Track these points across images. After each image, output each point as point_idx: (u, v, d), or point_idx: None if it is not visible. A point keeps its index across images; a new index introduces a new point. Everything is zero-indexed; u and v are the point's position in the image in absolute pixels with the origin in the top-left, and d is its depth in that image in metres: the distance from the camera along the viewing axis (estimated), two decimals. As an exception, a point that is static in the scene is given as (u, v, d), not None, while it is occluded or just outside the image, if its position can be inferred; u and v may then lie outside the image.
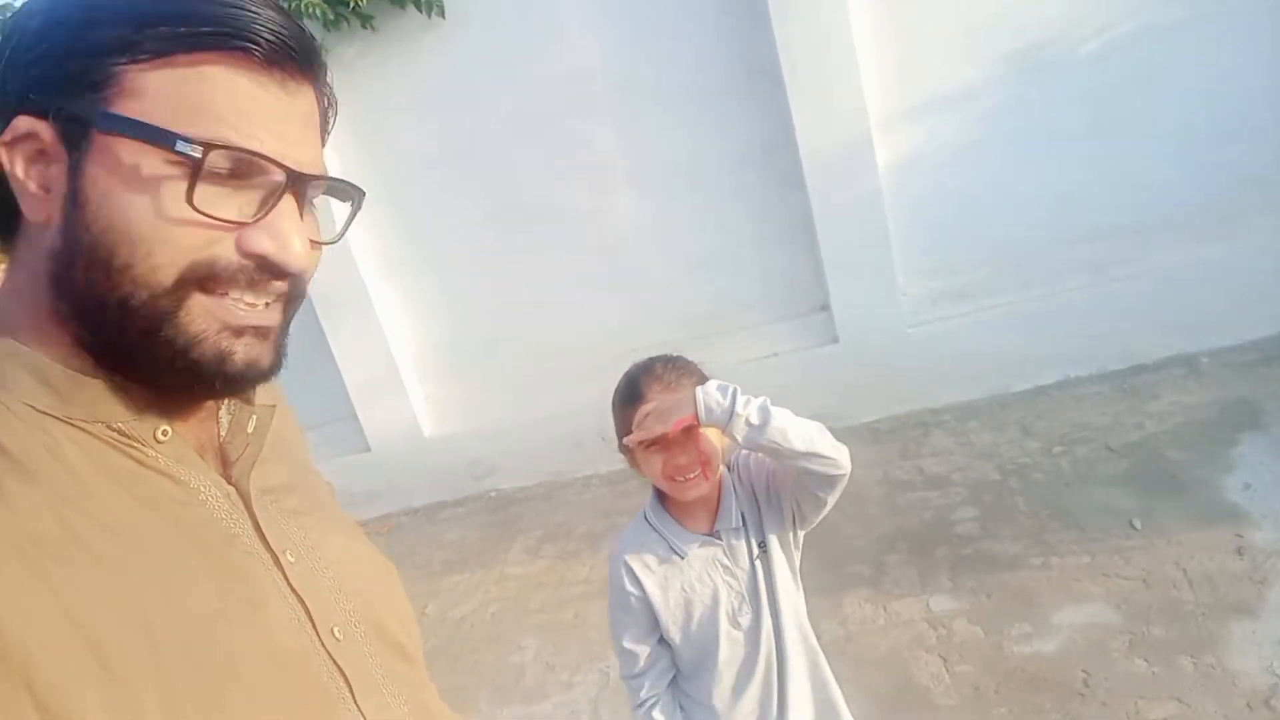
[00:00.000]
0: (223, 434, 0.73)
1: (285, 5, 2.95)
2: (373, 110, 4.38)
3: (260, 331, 0.66)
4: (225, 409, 0.74)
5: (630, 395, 1.54)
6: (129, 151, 0.59)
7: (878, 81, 4.03)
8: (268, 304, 0.66)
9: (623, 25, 4.18)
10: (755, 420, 1.38)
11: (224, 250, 0.61)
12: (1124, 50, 3.89)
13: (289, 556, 0.70)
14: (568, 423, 4.44)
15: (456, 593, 3.87)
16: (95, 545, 0.58)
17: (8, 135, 0.60)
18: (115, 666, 0.55)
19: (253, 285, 0.63)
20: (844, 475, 1.49)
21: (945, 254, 4.24)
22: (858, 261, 4.22)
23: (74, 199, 0.59)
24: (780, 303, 4.50)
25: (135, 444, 0.64)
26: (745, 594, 1.56)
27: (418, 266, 4.63)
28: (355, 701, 0.70)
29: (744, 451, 1.61)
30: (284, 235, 0.63)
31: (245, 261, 0.62)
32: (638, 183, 4.41)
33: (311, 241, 0.67)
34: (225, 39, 0.60)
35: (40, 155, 0.60)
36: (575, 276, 4.54)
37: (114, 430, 0.63)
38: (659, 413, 1.45)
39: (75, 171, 0.59)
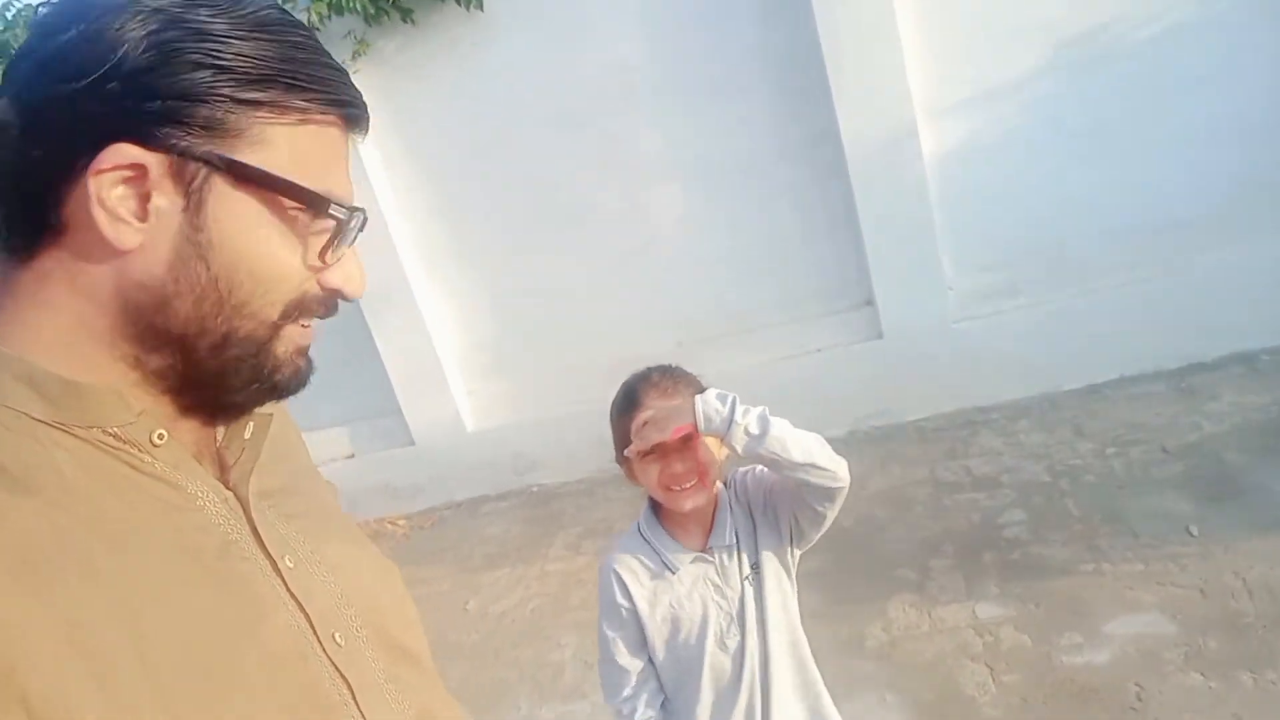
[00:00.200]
0: (219, 440, 0.72)
1: (325, 0, 2.96)
2: (413, 105, 4.39)
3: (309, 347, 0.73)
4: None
5: (627, 404, 1.53)
6: (259, 199, 0.63)
7: (923, 71, 3.94)
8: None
9: (664, 18, 4.13)
10: (754, 430, 1.36)
11: (312, 286, 0.68)
12: (1179, 40, 3.76)
13: (288, 562, 0.69)
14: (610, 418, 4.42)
15: (497, 588, 3.88)
16: (89, 555, 0.57)
17: (108, 163, 0.58)
18: (111, 678, 0.55)
19: (327, 314, 0.71)
20: (843, 488, 1.46)
21: (994, 248, 4.14)
22: (903, 256, 4.14)
23: (192, 237, 0.61)
24: (823, 298, 4.43)
25: (131, 449, 0.63)
26: (734, 615, 1.54)
27: (460, 262, 4.65)
28: (358, 707, 0.69)
29: (742, 469, 1.59)
30: (357, 273, 0.71)
31: (326, 295, 0.70)
32: (679, 177, 4.37)
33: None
34: (340, 104, 0.67)
35: (139, 184, 0.60)
36: (617, 272, 4.52)
37: (110, 435, 0.62)
38: (657, 421, 1.44)
39: (197, 210, 0.61)
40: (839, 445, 4.20)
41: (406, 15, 4.09)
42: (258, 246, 0.63)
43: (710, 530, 1.56)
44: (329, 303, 0.70)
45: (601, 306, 4.56)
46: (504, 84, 4.30)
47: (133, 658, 0.56)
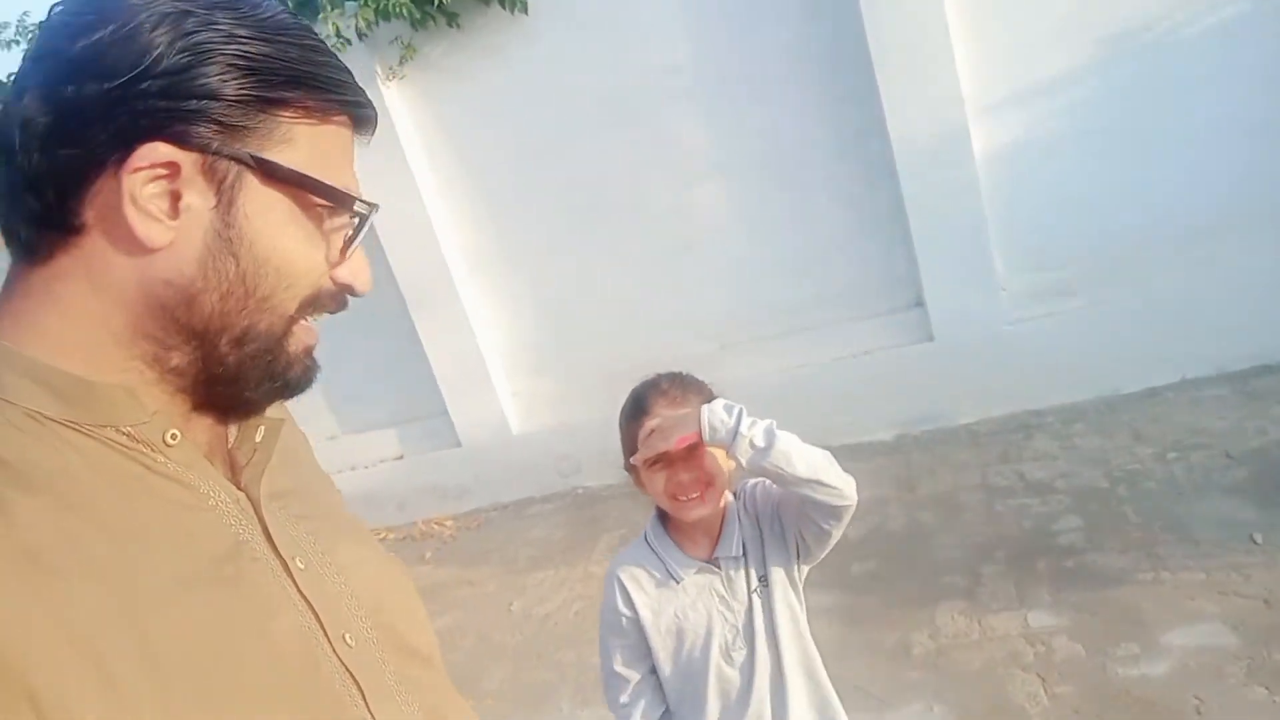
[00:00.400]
0: (231, 442, 0.73)
1: (371, 6, 2.98)
2: (459, 108, 4.43)
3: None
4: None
5: (635, 412, 1.52)
6: (290, 196, 0.65)
7: (973, 66, 3.85)
8: None
9: (708, 15, 4.10)
10: (760, 442, 1.35)
11: (326, 281, 0.70)
12: (1235, 34, 3.63)
13: (298, 563, 0.69)
14: (654, 420, 4.40)
15: (541, 589, 3.89)
16: (98, 555, 0.57)
17: (143, 162, 0.59)
18: (117, 678, 0.54)
19: (336, 309, 0.72)
20: (849, 506, 1.44)
21: (1048, 246, 4.03)
22: (954, 255, 4.05)
23: (223, 233, 0.63)
24: (872, 298, 4.36)
25: (144, 448, 0.63)
26: (740, 628, 1.52)
27: (505, 263, 4.67)
28: (368, 708, 0.69)
29: (751, 481, 1.57)
30: (364, 269, 0.73)
31: (337, 290, 0.71)
32: (725, 175, 4.34)
33: None
34: (357, 106, 0.69)
35: (171, 182, 0.61)
36: (662, 271, 4.50)
37: (123, 434, 0.62)
38: (662, 430, 1.42)
39: (228, 207, 0.63)
40: (887, 449, 4.13)
41: (452, 20, 4.12)
42: (286, 242, 0.66)
43: (717, 541, 1.55)
44: (340, 298, 0.72)
45: (645, 307, 4.54)
46: (548, 85, 4.31)
47: (139, 658, 0.56)
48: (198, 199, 0.62)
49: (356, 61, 4.20)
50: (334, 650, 0.68)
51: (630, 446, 1.51)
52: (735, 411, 1.37)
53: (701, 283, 4.48)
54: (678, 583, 1.53)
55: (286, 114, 0.64)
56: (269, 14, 0.65)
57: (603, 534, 4.21)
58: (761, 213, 4.35)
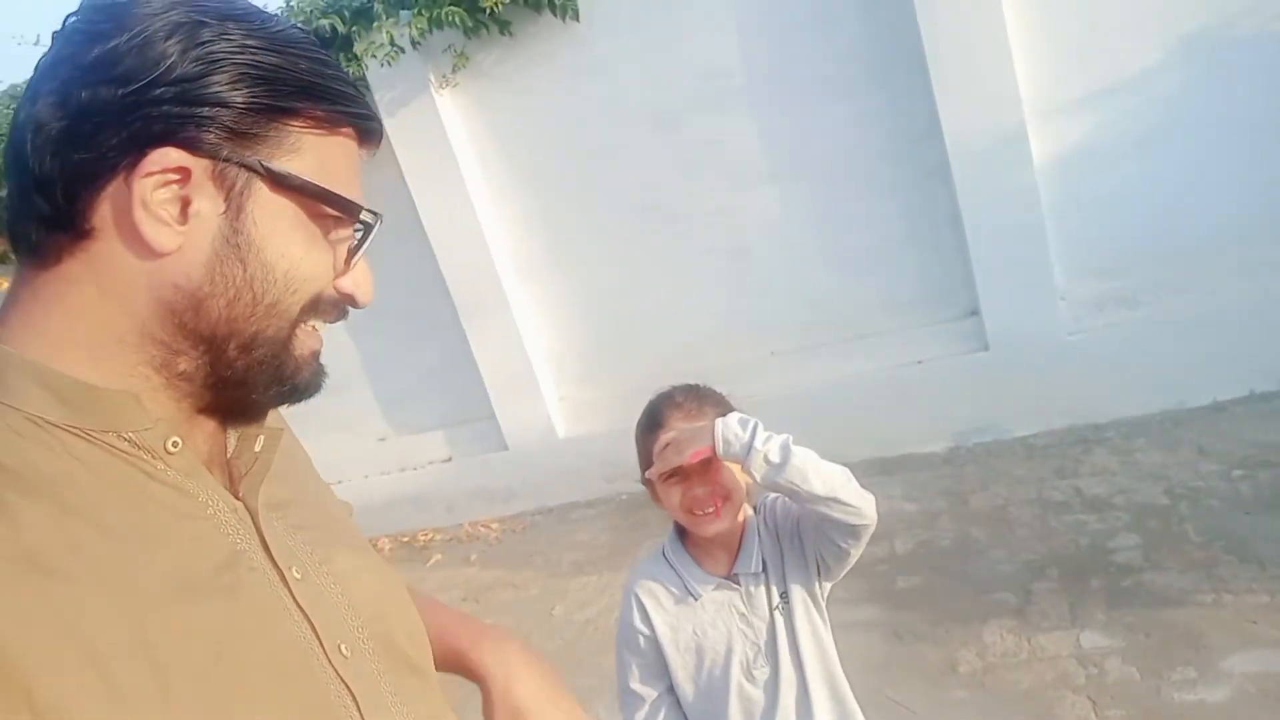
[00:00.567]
0: (230, 451, 0.74)
1: (424, 15, 3.02)
2: (510, 115, 4.46)
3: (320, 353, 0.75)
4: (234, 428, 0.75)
5: (650, 424, 1.50)
6: (294, 203, 0.67)
7: (1032, 66, 3.74)
8: None
9: (760, 18, 4.06)
10: (774, 458, 1.32)
11: (328, 289, 0.71)
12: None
13: (295, 573, 0.70)
14: (700, 428, 4.37)
15: (584, 594, 3.88)
16: (98, 559, 0.58)
17: (155, 166, 0.60)
18: (117, 684, 0.55)
19: (336, 319, 0.74)
20: (868, 526, 1.40)
21: (1110, 254, 3.90)
22: (1011, 262, 3.94)
23: (231, 239, 0.64)
24: (926, 306, 4.26)
25: (145, 455, 0.64)
26: (763, 646, 1.48)
27: (555, 269, 4.69)
28: (363, 719, 0.69)
29: (772, 495, 1.54)
30: (366, 280, 0.75)
31: (339, 299, 0.73)
32: (776, 180, 4.28)
33: None
34: (364, 119, 0.71)
35: (181, 188, 0.62)
36: (711, 277, 4.46)
37: (124, 440, 0.63)
38: (677, 443, 1.40)
39: (237, 213, 0.64)
40: (939, 461, 4.05)
41: (504, 28, 4.15)
42: (293, 249, 0.67)
43: (736, 557, 1.52)
44: (340, 308, 0.73)
45: (694, 313, 4.51)
46: (599, 91, 4.32)
47: (141, 660, 0.56)
48: (207, 205, 0.63)
49: (410, 70, 4.29)
50: (329, 661, 0.68)
51: (646, 460, 1.50)
52: (750, 425, 1.35)
53: (751, 289, 4.43)
54: (696, 599, 1.51)
55: (296, 124, 0.66)
56: (279, 27, 0.67)
57: (646, 540, 4.19)
58: (812, 218, 4.29)
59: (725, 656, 1.49)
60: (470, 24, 4.03)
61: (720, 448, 1.34)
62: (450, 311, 4.73)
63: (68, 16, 0.64)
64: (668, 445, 1.42)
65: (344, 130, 0.69)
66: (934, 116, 3.85)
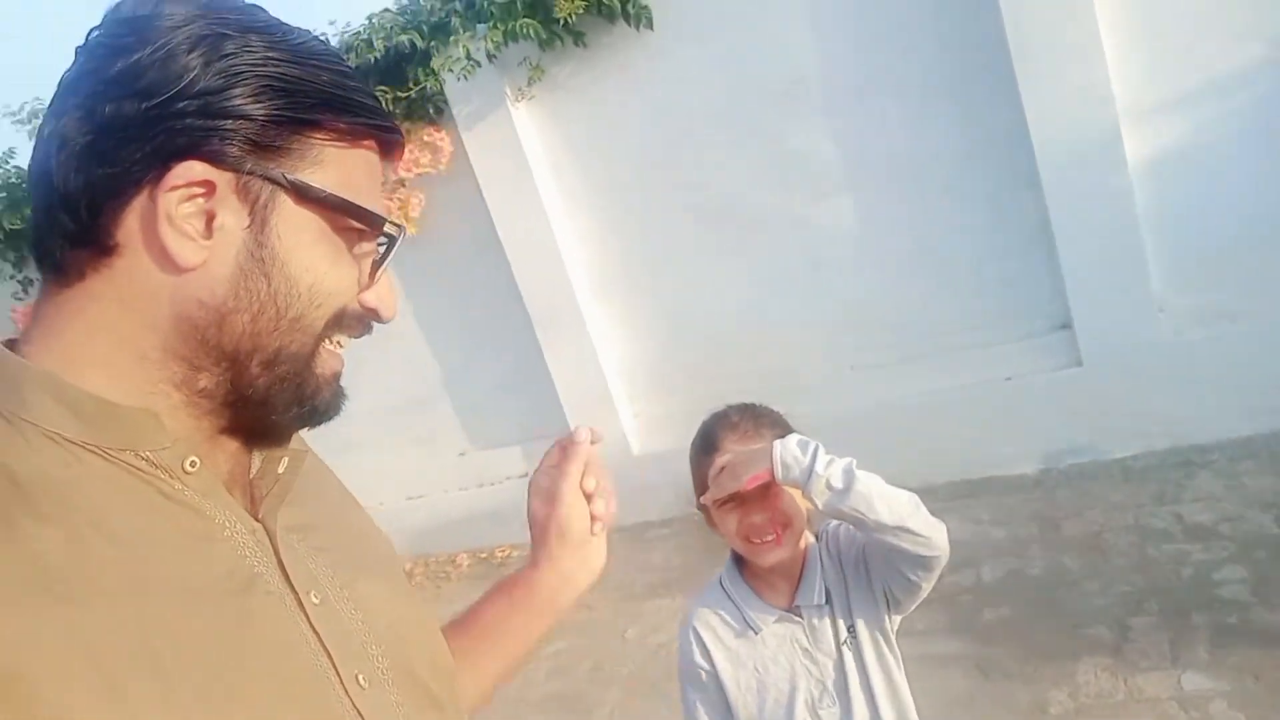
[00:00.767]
0: (253, 472, 0.72)
1: (499, 29, 3.03)
2: (586, 127, 4.45)
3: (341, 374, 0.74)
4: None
5: (704, 447, 1.44)
6: (322, 216, 0.66)
7: (1125, 64, 3.54)
8: None
9: (836, 22, 3.95)
10: (837, 483, 1.24)
11: (352, 304, 0.70)
12: None
13: (314, 597, 0.68)
14: (777, 444, 4.27)
15: (658, 617, 3.82)
16: (109, 581, 0.57)
17: (179, 180, 0.60)
18: (126, 705, 0.54)
19: (360, 334, 0.72)
20: (938, 557, 1.31)
21: (1211, 264, 3.66)
22: (1105, 272, 3.74)
23: (255, 253, 0.63)
24: (1014, 319, 4.07)
25: (162, 474, 0.63)
26: (829, 684, 1.40)
27: (629, 283, 4.65)
28: None
29: (835, 521, 1.45)
30: (390, 294, 0.73)
31: (363, 314, 0.71)
32: (855, 188, 4.16)
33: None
34: (386, 131, 0.70)
35: (206, 201, 0.62)
36: (787, 290, 4.37)
37: (142, 459, 0.62)
38: (733, 467, 1.33)
39: (261, 227, 0.63)
40: (1029, 484, 3.84)
41: (579, 39, 4.15)
42: (317, 263, 0.66)
43: (797, 587, 1.44)
44: (364, 323, 0.72)
45: (771, 327, 4.42)
46: (675, 101, 4.27)
47: (149, 687, 0.55)
48: (231, 218, 0.62)
49: (486, 84, 4.31)
50: (345, 690, 0.66)
51: (700, 484, 1.44)
52: (810, 448, 1.27)
53: (830, 302, 4.31)
54: (756, 633, 1.43)
55: (318, 136, 0.65)
56: (301, 39, 0.67)
57: (720, 564, 4.10)
58: (893, 228, 4.15)
59: (789, 694, 1.42)
60: (545, 36, 4.04)
61: (779, 472, 1.28)
62: (525, 324, 4.75)
63: (91, 31, 0.64)
64: (723, 469, 1.36)
65: (366, 143, 0.69)
66: (1020, 119, 3.68)
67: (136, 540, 0.59)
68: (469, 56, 4.08)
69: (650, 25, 4.10)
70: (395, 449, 5.42)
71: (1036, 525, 3.60)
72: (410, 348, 5.15)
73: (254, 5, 0.67)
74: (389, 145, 0.71)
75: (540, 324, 4.71)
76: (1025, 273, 3.99)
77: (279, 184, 0.63)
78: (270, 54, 0.63)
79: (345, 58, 0.71)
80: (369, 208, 0.68)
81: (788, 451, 1.27)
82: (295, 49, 0.65)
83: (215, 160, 0.61)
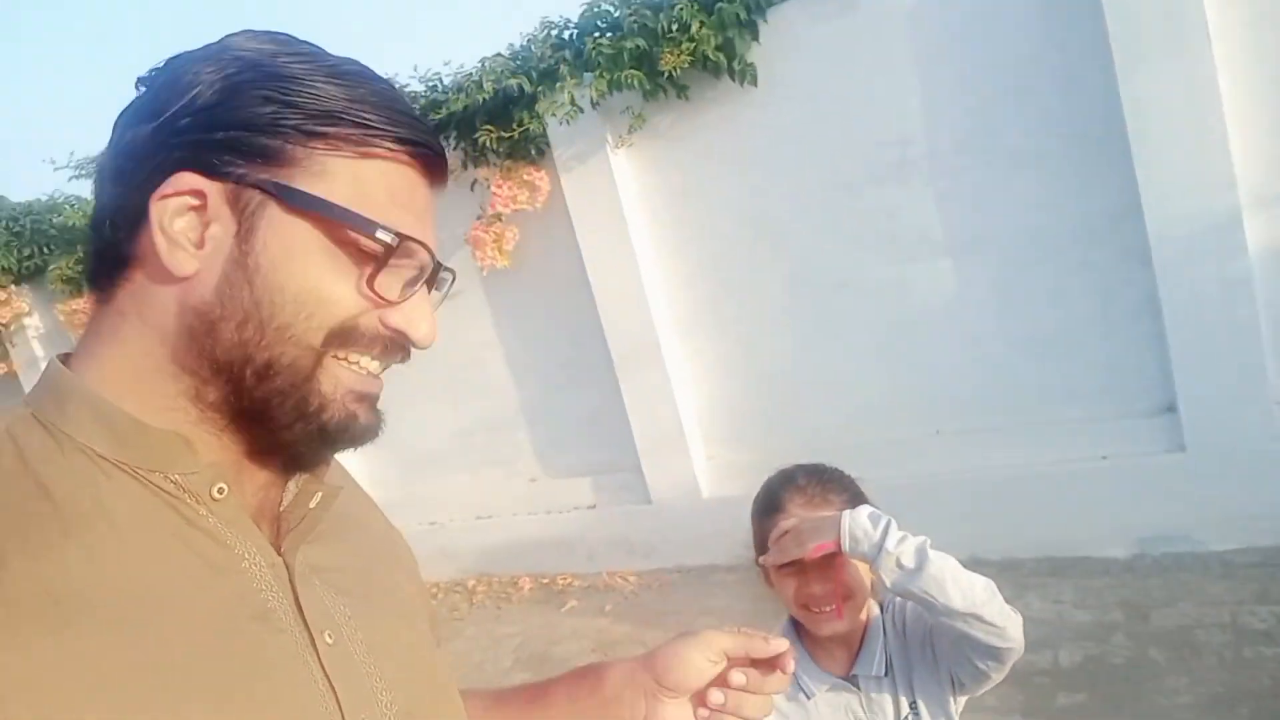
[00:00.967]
0: (284, 504, 0.71)
1: (604, 78, 3.11)
2: (683, 176, 4.49)
3: (374, 399, 0.71)
4: (295, 481, 0.73)
5: (767, 507, 1.39)
6: (313, 226, 0.64)
7: (1251, 147, 3.40)
8: (380, 374, 0.71)
9: (946, 86, 3.91)
10: (908, 563, 1.19)
11: (368, 322, 0.67)
12: None
13: (327, 638, 0.66)
14: (852, 504, 4.18)
15: (714, 665, 3.75)
16: (121, 605, 0.57)
17: (169, 189, 0.62)
18: None
19: (382, 355, 0.69)
20: (1011, 649, 1.23)
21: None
22: (1216, 357, 3.56)
23: (240, 260, 0.63)
24: (1115, 398, 3.90)
25: (189, 499, 0.63)
26: None
27: (714, 330, 4.65)
28: None
29: None
30: (422, 317, 0.69)
31: (386, 334, 0.68)
32: (953, 252, 4.07)
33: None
34: (410, 144, 0.67)
35: (199, 212, 0.63)
36: (876, 349, 4.29)
37: (170, 481, 0.62)
38: (798, 533, 1.27)
39: (247, 235, 0.63)
40: (1120, 569, 3.67)
41: (681, 91, 4.20)
42: (304, 270, 0.64)
43: (856, 656, 1.38)
44: (390, 344, 0.69)
45: (855, 384, 4.34)
46: (773, 156, 4.27)
47: (149, 713, 0.55)
48: (221, 228, 0.63)
49: (589, 129, 4.42)
50: None
51: (760, 543, 1.39)
52: (882, 523, 1.22)
53: (919, 364, 4.21)
54: (809, 698, 1.38)
55: (321, 146, 0.64)
56: (330, 61, 0.67)
57: (783, 615, 4.02)
58: (992, 295, 4.04)
59: None
60: (649, 87, 4.11)
61: (846, 544, 1.23)
62: (607, 362, 4.78)
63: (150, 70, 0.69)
64: (787, 533, 1.31)
65: (383, 154, 0.66)
66: (1134, 195, 3.56)
67: (154, 564, 0.60)
68: (573, 102, 4.19)
69: (755, 82, 4.13)
70: (471, 469, 5.52)
71: (1123, 612, 3.41)
72: (495, 374, 5.25)
73: (291, 37, 0.68)
74: (425, 162, 0.69)
75: (621, 362, 4.74)
76: (1129, 351, 3.83)
77: (268, 192, 0.63)
78: (285, 70, 0.64)
79: (408, 90, 0.70)
80: (374, 219, 0.64)
81: (857, 524, 1.23)
82: (318, 67, 0.65)
83: (208, 170, 0.62)
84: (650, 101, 4.25)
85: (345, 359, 0.67)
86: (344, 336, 0.66)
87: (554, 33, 4.51)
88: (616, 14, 4.23)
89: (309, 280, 0.64)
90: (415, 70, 4.89)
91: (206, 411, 0.65)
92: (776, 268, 4.42)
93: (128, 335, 0.65)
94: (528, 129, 4.45)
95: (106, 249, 0.65)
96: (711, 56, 4.01)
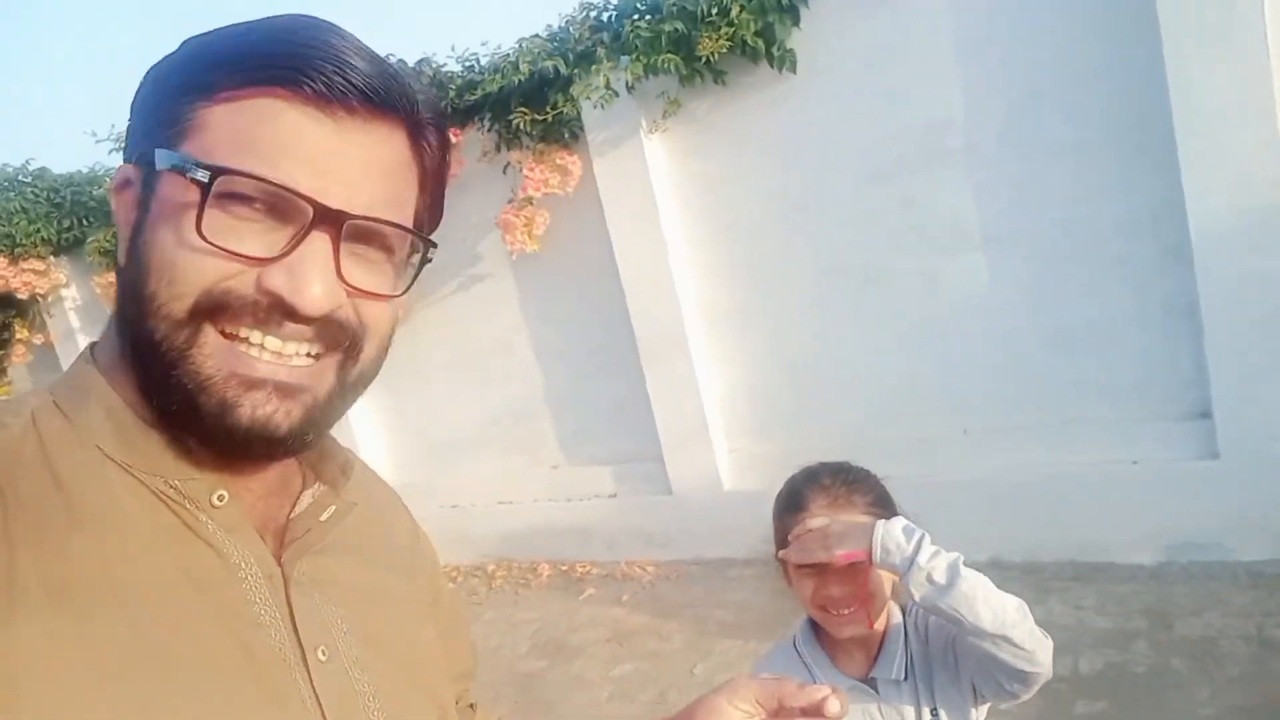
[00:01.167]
0: (293, 514, 0.70)
1: (641, 61, 3.06)
2: (717, 163, 4.45)
3: (285, 390, 0.61)
4: (311, 491, 0.72)
5: (790, 505, 1.36)
6: (171, 184, 0.60)
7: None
8: (314, 356, 0.63)
9: (987, 77, 3.83)
10: (940, 579, 1.16)
11: (241, 284, 0.59)
12: None
13: (320, 654, 0.65)
14: (874, 500, 4.14)
15: (727, 657, 3.74)
16: (120, 604, 0.57)
17: (112, 183, 0.65)
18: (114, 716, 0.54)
19: (262, 324, 0.60)
20: (1038, 674, 1.20)
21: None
22: (1255, 362, 3.47)
23: (133, 237, 0.62)
24: (1149, 399, 3.82)
25: (189, 504, 0.62)
26: None
27: (741, 321, 4.61)
28: None
29: None
30: (302, 275, 0.59)
31: (259, 298, 0.59)
32: (988, 245, 4.00)
33: (368, 293, 0.63)
34: (280, 74, 0.59)
35: (132, 198, 0.63)
36: (904, 343, 4.23)
37: (171, 487, 0.62)
38: (826, 536, 1.25)
39: (144, 211, 0.61)
40: (1145, 575, 3.60)
41: (719, 77, 4.16)
42: (159, 234, 0.60)
43: (875, 659, 1.35)
44: (265, 309, 0.59)
45: (882, 378, 4.29)
46: (809, 144, 4.23)
47: (134, 706, 0.55)
48: (139, 211, 0.62)
49: (623, 113, 4.39)
50: None
51: (781, 538, 1.36)
52: (915, 537, 1.20)
53: (951, 361, 4.15)
54: None
55: (202, 103, 0.59)
56: (248, 23, 0.63)
57: (800, 611, 4.00)
58: (1025, 288, 3.97)
59: None
60: (685, 72, 4.08)
61: (877, 555, 1.21)
62: (633, 351, 4.77)
63: None
64: (812, 532, 1.28)
65: (259, 91, 0.58)
66: (1177, 190, 3.47)
67: (150, 569, 0.59)
68: (608, 85, 4.16)
69: (794, 69, 4.08)
70: (495, 455, 5.54)
71: (1146, 620, 3.35)
72: (522, 360, 5.26)
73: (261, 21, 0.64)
74: (325, 88, 0.59)
75: (646, 352, 4.72)
76: (1165, 353, 3.76)
77: (150, 163, 0.60)
78: (192, 45, 0.63)
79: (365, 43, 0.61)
80: (202, 160, 0.58)
81: (890, 536, 1.21)
82: (225, 31, 0.62)
83: (134, 158, 0.63)
84: (686, 86, 4.21)
85: (236, 335, 0.60)
86: (214, 304, 0.59)
87: (593, 14, 4.48)
88: (657, -4, 4.20)
89: (165, 243, 0.59)
90: (453, 50, 4.90)
91: (150, 400, 0.62)
92: (807, 259, 4.37)
93: (112, 329, 0.67)
94: (562, 112, 4.43)
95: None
96: (750, 42, 3.96)
